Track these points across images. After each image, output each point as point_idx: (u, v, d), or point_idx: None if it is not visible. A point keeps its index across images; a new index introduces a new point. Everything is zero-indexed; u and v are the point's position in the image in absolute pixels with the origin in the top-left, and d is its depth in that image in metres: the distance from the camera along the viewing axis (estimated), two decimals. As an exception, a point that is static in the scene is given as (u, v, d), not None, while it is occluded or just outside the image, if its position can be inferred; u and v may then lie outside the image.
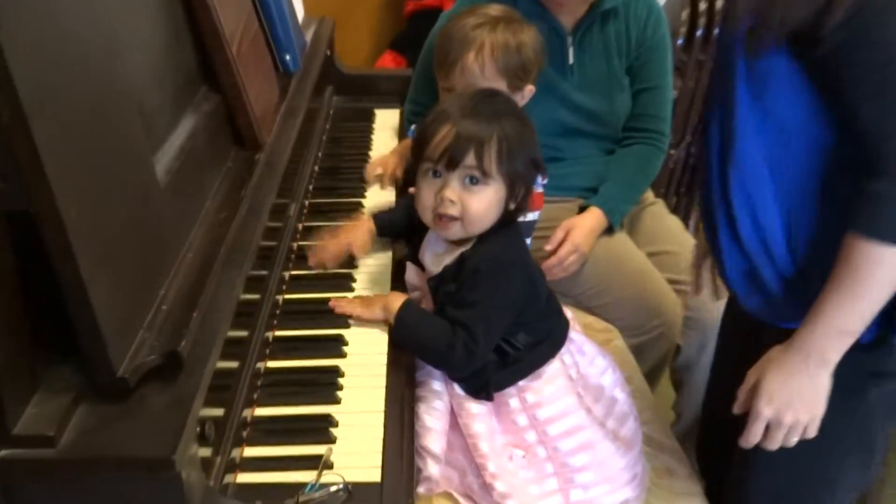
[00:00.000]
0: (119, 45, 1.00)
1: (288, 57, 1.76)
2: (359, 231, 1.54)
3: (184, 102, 1.27)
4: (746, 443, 1.25)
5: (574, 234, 1.81)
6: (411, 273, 1.50)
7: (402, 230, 1.57)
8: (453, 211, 1.31)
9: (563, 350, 1.42)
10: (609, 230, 1.89)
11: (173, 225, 1.07)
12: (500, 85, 1.62)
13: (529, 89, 1.67)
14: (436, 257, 1.41)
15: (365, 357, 1.31)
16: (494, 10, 1.68)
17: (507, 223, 1.35)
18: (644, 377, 1.76)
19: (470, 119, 1.30)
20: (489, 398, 1.36)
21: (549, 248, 1.80)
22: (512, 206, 1.34)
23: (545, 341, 1.40)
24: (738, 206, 1.23)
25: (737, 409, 1.27)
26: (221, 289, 1.07)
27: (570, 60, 1.90)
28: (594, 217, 1.86)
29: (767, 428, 1.23)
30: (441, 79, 1.69)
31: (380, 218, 1.58)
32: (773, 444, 1.23)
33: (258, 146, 1.42)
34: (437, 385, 1.37)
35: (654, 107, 1.96)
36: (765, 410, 1.21)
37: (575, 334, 1.46)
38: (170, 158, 1.12)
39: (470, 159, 1.28)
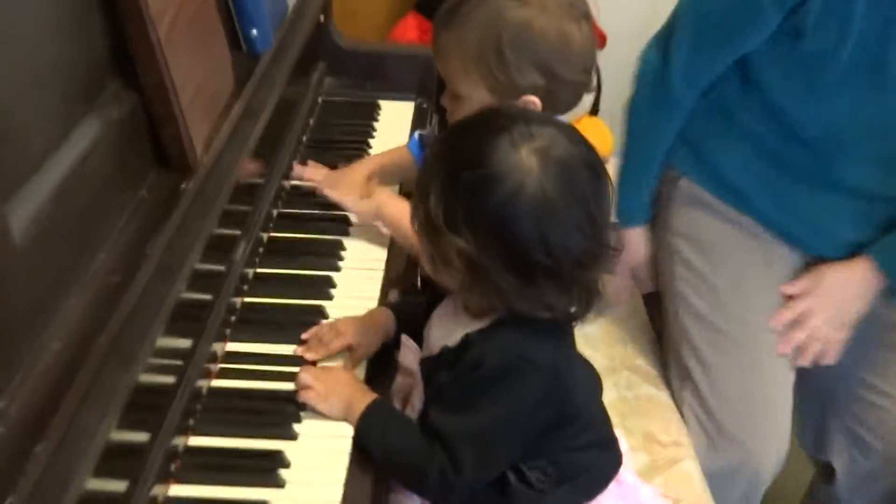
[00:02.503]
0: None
1: (255, 31, 1.65)
2: (370, 331, 1.43)
3: (81, 107, 1.16)
4: None
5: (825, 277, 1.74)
6: (407, 352, 1.41)
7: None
8: None
9: (603, 496, 1.30)
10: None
11: (30, 300, 0.96)
12: (475, 86, 1.49)
13: (532, 100, 1.48)
14: (444, 330, 1.31)
15: (310, 488, 1.20)
16: None
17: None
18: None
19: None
20: None
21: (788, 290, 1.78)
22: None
23: (575, 481, 1.29)
24: None
25: None
26: (88, 406, 0.95)
27: None
28: (860, 268, 1.75)
29: None
30: None
31: (402, 310, 1.47)
32: None
33: (188, 168, 1.31)
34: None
35: None
36: None
37: (628, 475, 1.34)
38: (42, 198, 1.00)
39: None
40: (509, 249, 1.17)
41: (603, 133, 2.75)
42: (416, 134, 1.82)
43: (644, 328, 2.03)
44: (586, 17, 1.52)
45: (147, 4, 1.22)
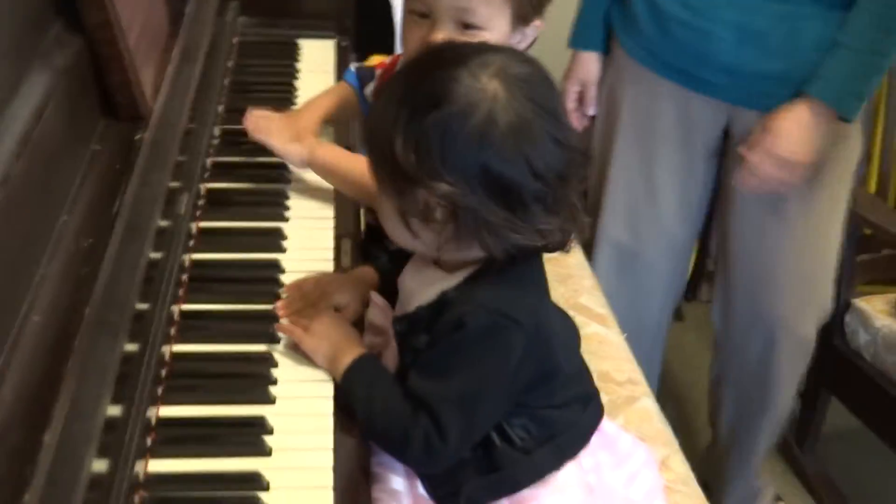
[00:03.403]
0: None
1: (181, -34, 1.53)
2: (358, 291, 1.35)
3: (25, 56, 1.04)
4: None
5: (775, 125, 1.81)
6: (376, 310, 1.33)
7: None
8: None
9: (585, 449, 1.26)
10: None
11: (4, 272, 0.86)
12: (500, 13, 1.40)
13: (536, 26, 1.46)
14: (418, 285, 1.24)
15: (297, 455, 1.13)
16: None
17: (515, 257, 1.16)
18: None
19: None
20: None
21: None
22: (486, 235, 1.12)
23: (558, 437, 1.24)
24: None
25: None
26: (87, 381, 0.86)
27: None
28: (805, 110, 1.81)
29: None
30: None
31: (383, 267, 1.39)
32: None
33: (140, 117, 1.21)
34: (399, 483, 1.24)
35: None
36: None
37: (607, 424, 1.31)
38: (4, 158, 0.90)
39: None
40: (496, 181, 1.09)
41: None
42: (352, 66, 1.72)
43: (582, 266, 2.00)
44: None
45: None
